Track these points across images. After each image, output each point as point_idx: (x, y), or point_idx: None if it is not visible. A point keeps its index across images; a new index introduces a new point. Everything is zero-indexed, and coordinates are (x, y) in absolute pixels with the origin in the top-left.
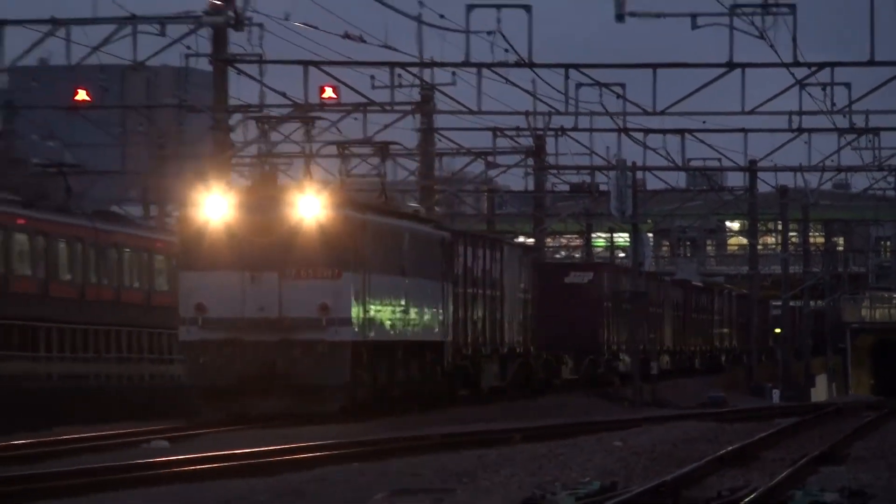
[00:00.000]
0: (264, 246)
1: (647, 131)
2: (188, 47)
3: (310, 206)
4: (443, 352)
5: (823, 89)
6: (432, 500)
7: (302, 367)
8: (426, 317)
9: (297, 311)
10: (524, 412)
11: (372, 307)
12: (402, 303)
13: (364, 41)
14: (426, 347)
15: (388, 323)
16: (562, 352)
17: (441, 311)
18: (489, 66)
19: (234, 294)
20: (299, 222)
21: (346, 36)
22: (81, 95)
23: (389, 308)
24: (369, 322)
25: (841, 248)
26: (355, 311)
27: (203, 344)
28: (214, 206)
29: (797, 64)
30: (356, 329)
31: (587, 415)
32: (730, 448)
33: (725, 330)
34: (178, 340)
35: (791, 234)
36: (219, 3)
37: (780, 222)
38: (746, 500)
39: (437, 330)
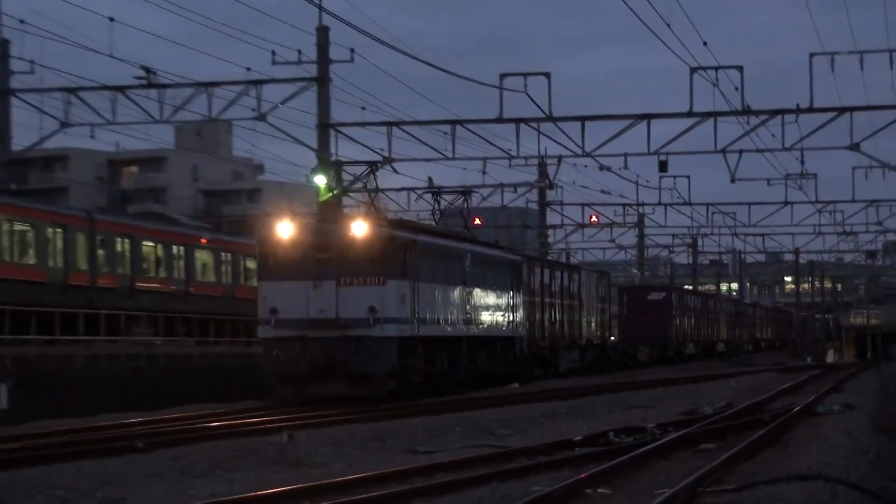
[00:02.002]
0: (324, 260)
1: (746, 234)
2: (527, 199)
3: (360, 228)
4: (514, 344)
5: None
6: (644, 410)
7: (355, 358)
8: (493, 318)
9: (351, 313)
10: (672, 372)
11: (423, 309)
12: (464, 306)
13: (609, 194)
14: (496, 341)
15: (444, 322)
16: (640, 343)
17: (510, 313)
18: (662, 204)
19: (301, 299)
20: (352, 241)
21: (602, 191)
22: (478, 221)
23: (446, 310)
24: (420, 320)
25: (839, 289)
26: (401, 312)
27: (276, 340)
28: (285, 230)
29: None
30: (402, 326)
31: (714, 370)
32: (786, 385)
33: (763, 328)
34: (258, 337)
35: (816, 283)
36: (542, 176)
37: (810, 278)
38: (796, 409)
39: (506, 328)
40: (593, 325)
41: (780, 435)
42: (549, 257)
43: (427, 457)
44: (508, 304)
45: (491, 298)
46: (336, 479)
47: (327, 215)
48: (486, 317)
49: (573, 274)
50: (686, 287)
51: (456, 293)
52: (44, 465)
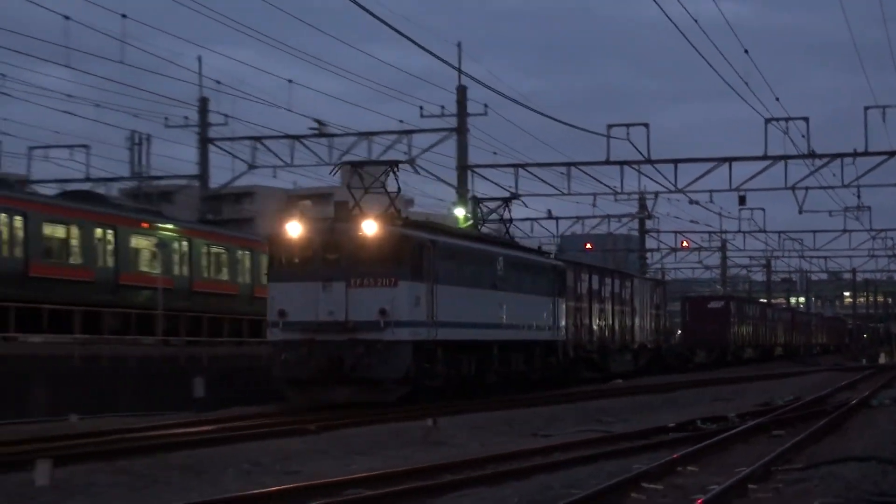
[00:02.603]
0: (334, 261)
1: (812, 257)
2: (629, 227)
3: (370, 227)
4: (556, 348)
5: None
6: (725, 402)
7: (365, 362)
8: (530, 322)
9: (361, 315)
10: (739, 372)
11: (444, 311)
12: (496, 310)
13: (697, 223)
14: (535, 345)
15: (471, 325)
16: (702, 347)
17: (551, 318)
18: (741, 232)
19: (310, 301)
20: (363, 240)
21: (691, 221)
22: (589, 246)
23: (473, 313)
24: (440, 324)
25: (890, 302)
26: (416, 315)
27: (285, 343)
28: (294, 229)
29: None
30: (417, 330)
31: (783, 369)
32: (844, 382)
33: (819, 334)
34: (267, 340)
35: (871, 297)
36: (642, 209)
37: (865, 293)
38: (853, 402)
39: (546, 332)
40: (647, 329)
41: (840, 424)
42: (646, 276)
43: (546, 439)
44: (549, 308)
45: (528, 302)
46: (471, 457)
47: (339, 214)
48: (521, 320)
49: (626, 281)
50: (761, 299)
51: (486, 296)
52: (233, 444)
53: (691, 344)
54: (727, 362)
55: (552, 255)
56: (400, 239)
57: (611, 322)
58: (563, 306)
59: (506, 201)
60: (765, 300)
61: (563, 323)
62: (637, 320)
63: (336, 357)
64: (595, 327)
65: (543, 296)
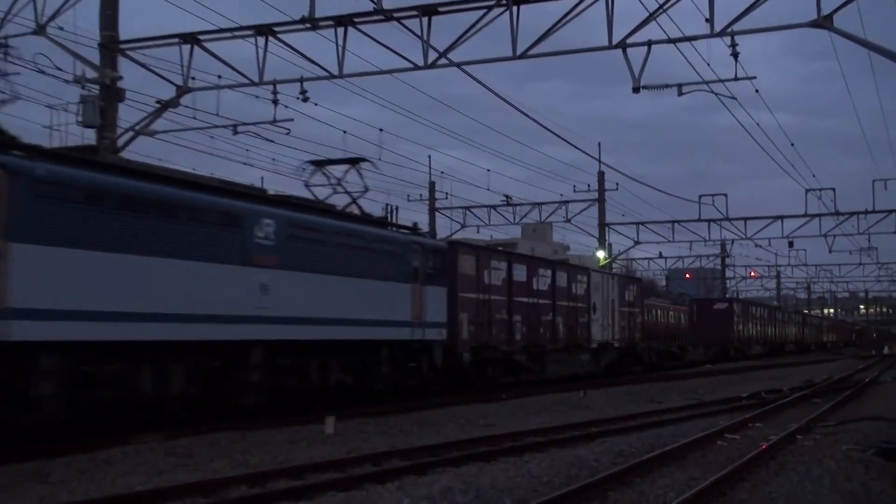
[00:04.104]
0: None
1: (838, 281)
2: (714, 263)
3: None
4: (430, 350)
5: None
6: (779, 380)
7: None
8: (358, 314)
9: None
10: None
11: (49, 293)
12: (250, 296)
13: (760, 260)
14: (378, 346)
15: (174, 317)
16: (699, 345)
17: (412, 311)
18: (790, 265)
19: None
20: None
21: (756, 258)
22: (687, 276)
23: (176, 298)
24: (29, 312)
25: (891, 312)
26: None
27: None
28: None
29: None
30: None
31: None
32: (861, 366)
33: (829, 333)
34: None
35: (878, 308)
36: (723, 251)
37: (875, 306)
38: (867, 380)
39: (401, 328)
40: (613, 328)
41: (859, 394)
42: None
43: (659, 405)
44: (406, 299)
45: (345, 288)
46: (608, 416)
47: None
48: (332, 312)
49: (578, 275)
50: (804, 310)
51: (220, 273)
52: (450, 406)
53: (698, 341)
54: (730, 357)
55: (433, 235)
56: None
57: (550, 318)
58: (443, 298)
59: (353, 163)
60: (806, 310)
61: (442, 318)
62: (598, 318)
63: None
64: (520, 325)
65: (389, 281)
